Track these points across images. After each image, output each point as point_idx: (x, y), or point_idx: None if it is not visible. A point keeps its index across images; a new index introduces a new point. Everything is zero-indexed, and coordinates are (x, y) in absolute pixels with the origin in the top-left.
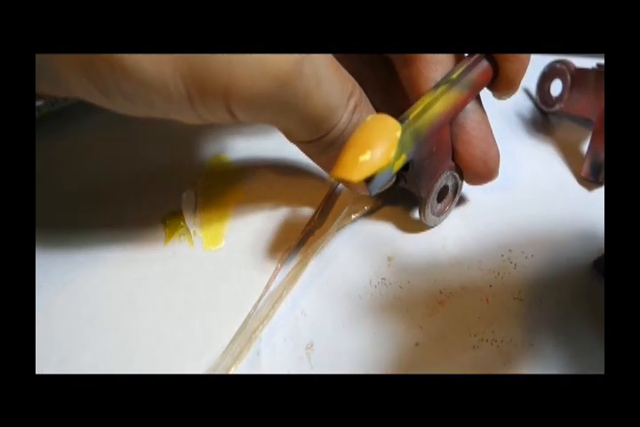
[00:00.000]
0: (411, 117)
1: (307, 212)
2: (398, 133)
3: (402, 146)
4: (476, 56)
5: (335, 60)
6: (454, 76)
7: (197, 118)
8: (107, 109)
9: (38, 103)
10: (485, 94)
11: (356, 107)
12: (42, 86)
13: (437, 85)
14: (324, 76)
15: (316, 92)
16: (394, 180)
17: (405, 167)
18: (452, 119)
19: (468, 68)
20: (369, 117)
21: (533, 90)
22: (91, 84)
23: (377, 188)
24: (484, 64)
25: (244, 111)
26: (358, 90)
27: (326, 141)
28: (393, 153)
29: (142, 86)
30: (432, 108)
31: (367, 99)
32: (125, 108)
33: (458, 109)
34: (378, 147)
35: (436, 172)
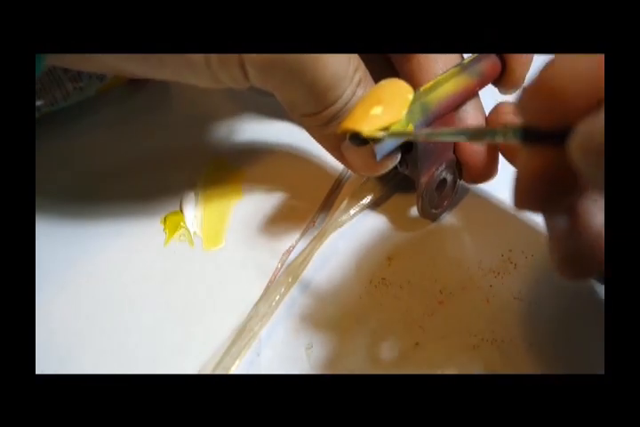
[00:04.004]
0: (422, 89)
1: (307, 212)
2: (410, 96)
3: (411, 114)
4: None
5: None
6: (466, 61)
7: (210, 78)
8: (107, 109)
9: (38, 103)
10: (485, 94)
11: (360, 81)
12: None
13: (449, 69)
14: None
15: (324, 55)
16: (398, 158)
17: (409, 149)
18: (459, 105)
19: (479, 58)
20: (383, 81)
21: None
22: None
23: (383, 152)
24: (493, 57)
25: (256, 70)
26: (364, 66)
27: (329, 114)
28: (404, 112)
29: None
30: (443, 86)
31: (371, 78)
32: (137, 66)
33: (466, 96)
34: (390, 103)
35: (437, 158)
